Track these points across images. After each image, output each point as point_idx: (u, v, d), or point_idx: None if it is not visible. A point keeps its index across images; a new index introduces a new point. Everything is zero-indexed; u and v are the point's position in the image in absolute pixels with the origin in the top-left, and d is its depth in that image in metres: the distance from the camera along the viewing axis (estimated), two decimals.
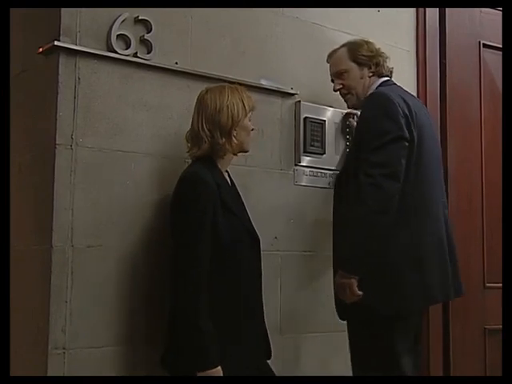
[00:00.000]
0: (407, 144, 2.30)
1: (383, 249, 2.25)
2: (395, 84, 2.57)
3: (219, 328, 2.05)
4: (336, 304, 2.43)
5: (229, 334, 2.10)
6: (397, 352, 2.32)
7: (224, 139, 2.20)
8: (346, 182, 2.43)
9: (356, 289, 2.25)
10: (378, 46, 2.59)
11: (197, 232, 2.07)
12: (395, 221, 2.25)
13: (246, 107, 2.24)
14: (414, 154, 2.32)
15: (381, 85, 2.53)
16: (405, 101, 2.38)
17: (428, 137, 2.42)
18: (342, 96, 2.62)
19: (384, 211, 2.22)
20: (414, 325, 2.43)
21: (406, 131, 2.30)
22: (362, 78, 2.55)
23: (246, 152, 2.34)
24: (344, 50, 2.59)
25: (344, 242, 2.30)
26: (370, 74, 2.55)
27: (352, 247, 2.26)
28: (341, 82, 2.59)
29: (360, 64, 2.55)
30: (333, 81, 2.64)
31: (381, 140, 2.27)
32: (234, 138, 2.22)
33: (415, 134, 2.33)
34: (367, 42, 2.59)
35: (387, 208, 2.23)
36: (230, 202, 2.18)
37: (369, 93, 2.52)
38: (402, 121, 2.31)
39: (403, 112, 2.32)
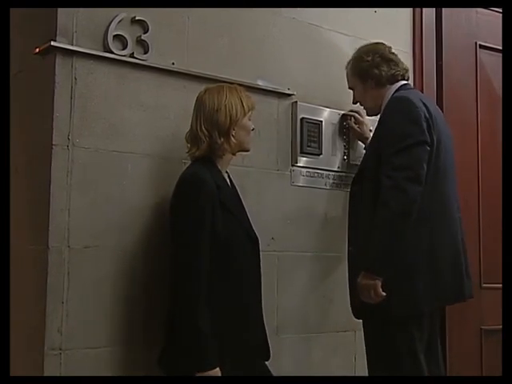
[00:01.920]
0: (428, 148, 2.32)
1: (403, 249, 2.28)
2: (413, 88, 2.59)
3: (218, 328, 2.05)
4: (351, 303, 2.45)
5: (227, 335, 2.10)
6: (414, 350, 2.33)
7: (222, 139, 2.20)
8: (362, 183, 2.45)
9: (380, 290, 2.26)
10: (377, 51, 2.57)
11: (197, 232, 2.07)
12: (414, 222, 2.28)
13: (245, 107, 2.25)
14: (432, 158, 2.34)
15: (398, 89, 2.52)
16: (425, 105, 2.40)
17: (445, 142, 2.44)
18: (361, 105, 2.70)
19: (407, 214, 2.25)
20: (428, 324, 2.43)
21: (428, 135, 2.33)
22: (365, 92, 2.58)
23: (247, 151, 2.35)
24: (350, 64, 2.63)
25: (369, 244, 2.29)
26: (373, 86, 2.55)
27: (378, 249, 2.27)
28: (354, 94, 2.66)
29: (361, 78, 2.58)
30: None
31: (404, 143, 2.29)
32: (232, 138, 2.22)
33: (435, 138, 2.35)
34: (367, 52, 2.57)
35: (410, 211, 2.25)
36: (228, 202, 2.18)
37: (387, 98, 2.52)
38: (424, 125, 2.33)
39: (425, 116, 2.35)
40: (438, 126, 2.40)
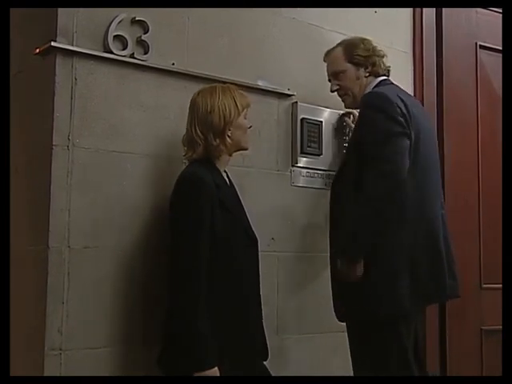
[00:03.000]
0: (408, 141, 2.30)
1: (381, 247, 2.27)
2: (393, 83, 2.56)
3: (217, 328, 2.05)
4: (334, 306, 2.44)
5: (226, 335, 2.09)
6: (405, 348, 2.33)
7: (218, 140, 2.20)
8: (343, 182, 2.43)
9: (358, 270, 2.25)
10: (374, 44, 2.58)
11: (196, 232, 2.07)
12: (394, 219, 2.27)
13: (239, 106, 2.23)
14: (411, 153, 2.31)
15: (378, 84, 2.52)
16: (402, 100, 2.37)
17: (425, 139, 2.41)
18: (340, 96, 2.62)
19: (391, 199, 2.23)
20: (414, 323, 2.43)
21: (407, 129, 2.31)
22: (358, 79, 2.55)
23: (246, 150, 2.34)
24: (340, 49, 2.58)
25: (347, 228, 2.28)
26: (367, 74, 2.54)
27: (355, 231, 2.25)
28: (337, 82, 2.58)
29: (356, 64, 2.54)
30: (330, 80, 2.63)
31: (384, 135, 2.28)
32: (228, 138, 2.22)
33: (412, 133, 2.33)
34: (363, 41, 2.57)
35: (394, 197, 2.23)
36: (228, 202, 2.18)
37: (367, 91, 2.51)
38: (401, 120, 2.31)
39: (401, 111, 2.32)
40: (416, 121, 2.36)
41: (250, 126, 2.32)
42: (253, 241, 2.25)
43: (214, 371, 2.01)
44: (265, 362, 2.26)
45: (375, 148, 2.27)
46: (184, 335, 2.04)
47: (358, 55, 2.53)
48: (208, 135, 2.19)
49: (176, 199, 2.16)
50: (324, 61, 2.66)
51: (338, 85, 2.57)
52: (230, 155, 2.29)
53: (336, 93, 2.62)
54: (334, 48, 2.61)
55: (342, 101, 2.63)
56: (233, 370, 2.08)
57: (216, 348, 2.03)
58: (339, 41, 2.67)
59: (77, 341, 2.18)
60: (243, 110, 2.26)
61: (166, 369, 2.13)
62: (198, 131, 2.20)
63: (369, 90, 2.52)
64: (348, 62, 2.54)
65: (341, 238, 2.34)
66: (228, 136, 2.22)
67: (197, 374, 2.00)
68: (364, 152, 2.31)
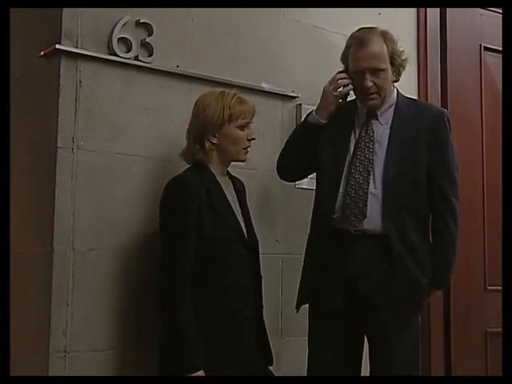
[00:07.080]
0: None
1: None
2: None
3: (211, 332, 2.04)
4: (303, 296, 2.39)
5: (222, 340, 2.07)
6: None
7: (197, 145, 2.17)
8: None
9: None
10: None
11: (179, 233, 2.06)
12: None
13: (226, 114, 2.14)
14: None
15: (399, 93, 2.39)
16: None
17: None
18: (368, 94, 2.29)
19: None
20: None
21: None
22: (390, 82, 2.33)
23: (242, 162, 2.27)
24: (383, 44, 2.28)
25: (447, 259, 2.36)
26: (394, 79, 2.35)
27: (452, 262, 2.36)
28: (374, 79, 2.27)
29: (394, 66, 2.31)
30: (359, 72, 2.28)
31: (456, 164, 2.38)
32: (208, 145, 2.16)
33: None
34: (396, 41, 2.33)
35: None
36: (218, 206, 2.13)
37: (391, 99, 2.35)
38: None
39: None
40: None
41: (252, 138, 2.23)
42: (248, 244, 2.20)
43: (198, 374, 1.98)
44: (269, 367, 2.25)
45: (456, 190, 2.36)
46: (168, 335, 2.04)
47: (399, 58, 2.32)
48: (190, 136, 2.19)
49: (162, 203, 2.14)
50: (361, 44, 2.28)
51: (373, 82, 2.27)
52: (224, 162, 2.22)
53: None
54: (374, 37, 2.28)
55: (369, 99, 2.31)
56: (234, 372, 2.06)
57: (200, 350, 1.99)
58: (343, 43, 2.42)
59: (81, 343, 2.19)
60: (236, 119, 2.16)
61: (159, 370, 2.09)
62: (186, 132, 2.20)
63: (393, 96, 2.36)
64: (389, 62, 2.29)
65: (441, 269, 2.34)
66: (211, 142, 2.16)
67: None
68: (451, 178, 2.34)
